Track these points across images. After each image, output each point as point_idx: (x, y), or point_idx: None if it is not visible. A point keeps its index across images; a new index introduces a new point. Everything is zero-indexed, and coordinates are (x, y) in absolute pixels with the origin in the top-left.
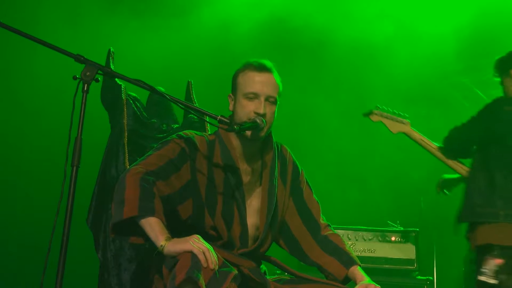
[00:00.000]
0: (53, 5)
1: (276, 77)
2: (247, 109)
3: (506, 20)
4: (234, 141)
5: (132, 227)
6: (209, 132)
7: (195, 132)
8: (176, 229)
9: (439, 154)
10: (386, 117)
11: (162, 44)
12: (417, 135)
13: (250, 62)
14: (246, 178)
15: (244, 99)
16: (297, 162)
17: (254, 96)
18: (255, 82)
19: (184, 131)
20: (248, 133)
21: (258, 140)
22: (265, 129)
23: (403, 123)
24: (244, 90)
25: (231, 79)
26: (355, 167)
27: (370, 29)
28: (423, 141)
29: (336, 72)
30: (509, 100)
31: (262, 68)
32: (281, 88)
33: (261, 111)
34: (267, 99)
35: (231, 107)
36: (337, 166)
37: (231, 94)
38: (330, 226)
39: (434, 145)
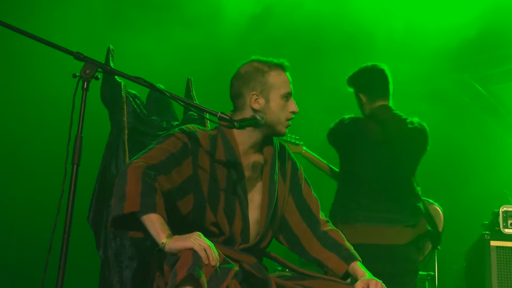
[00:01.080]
0: (50, 3)
1: None
2: (286, 110)
3: (508, 15)
4: (237, 136)
5: (132, 221)
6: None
7: (198, 126)
8: (177, 225)
9: (326, 169)
10: (284, 141)
11: (161, 41)
12: (308, 154)
13: (275, 61)
14: (247, 174)
15: (282, 99)
16: (295, 160)
17: (288, 96)
18: (288, 82)
19: (187, 125)
20: (283, 130)
21: (278, 134)
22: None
23: (296, 145)
24: (282, 90)
25: (233, 76)
26: None
27: (370, 24)
28: (314, 160)
29: (335, 68)
30: (352, 116)
31: (288, 68)
32: None
33: (297, 110)
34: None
35: (256, 106)
36: (337, 161)
37: (256, 93)
38: (329, 222)
39: (322, 162)
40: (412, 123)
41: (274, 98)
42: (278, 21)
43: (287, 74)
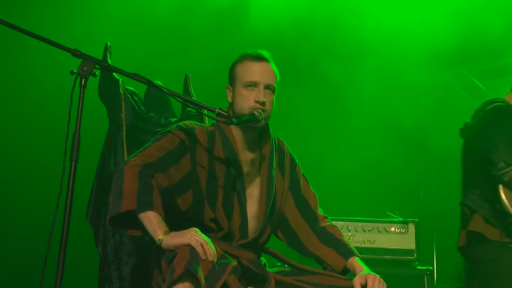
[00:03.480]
0: (48, 1)
1: (273, 66)
2: (248, 99)
3: (507, 9)
4: (235, 131)
5: (130, 219)
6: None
7: (196, 122)
8: (176, 222)
9: None
10: None
11: (160, 38)
12: None
13: (247, 52)
14: (245, 169)
15: (244, 89)
16: (294, 156)
17: (254, 85)
18: (254, 71)
19: (184, 122)
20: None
21: (257, 128)
22: (265, 117)
23: None
24: (243, 80)
25: (229, 72)
26: (355, 158)
27: (370, 20)
28: None
29: (334, 64)
30: None
31: (260, 58)
32: (278, 78)
33: (261, 99)
34: (266, 87)
35: (229, 99)
36: (337, 157)
37: (229, 86)
38: (328, 217)
39: None
40: None
41: (237, 89)
42: (279, 18)
43: (272, 64)
